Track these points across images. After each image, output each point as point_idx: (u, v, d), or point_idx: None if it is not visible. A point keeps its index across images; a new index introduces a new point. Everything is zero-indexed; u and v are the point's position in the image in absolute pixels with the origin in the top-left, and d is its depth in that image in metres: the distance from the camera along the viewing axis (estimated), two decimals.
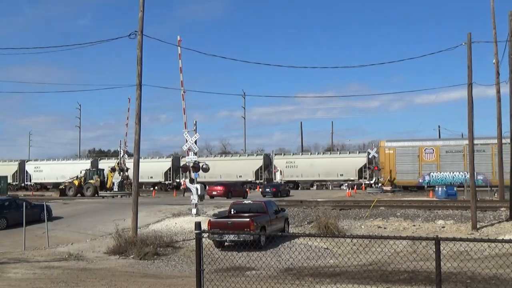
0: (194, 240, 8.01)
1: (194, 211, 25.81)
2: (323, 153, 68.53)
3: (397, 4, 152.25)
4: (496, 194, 39.45)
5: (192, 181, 26.55)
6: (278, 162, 62.91)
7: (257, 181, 62.23)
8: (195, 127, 26.50)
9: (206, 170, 27.51)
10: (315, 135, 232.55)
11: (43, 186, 72.17)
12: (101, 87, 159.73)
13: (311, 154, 68.50)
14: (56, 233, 22.36)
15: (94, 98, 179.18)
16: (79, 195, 49.77)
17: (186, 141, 26.61)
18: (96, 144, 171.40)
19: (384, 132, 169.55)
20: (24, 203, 22.53)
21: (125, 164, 49.21)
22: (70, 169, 63.38)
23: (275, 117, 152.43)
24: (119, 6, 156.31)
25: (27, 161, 76.07)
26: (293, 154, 67.18)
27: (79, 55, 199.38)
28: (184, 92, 27.57)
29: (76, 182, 51.58)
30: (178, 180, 63.58)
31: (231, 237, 18.65)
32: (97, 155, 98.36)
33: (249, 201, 23.48)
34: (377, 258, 14.56)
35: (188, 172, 27.08)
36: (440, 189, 40.73)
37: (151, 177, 64.88)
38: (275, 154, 66.21)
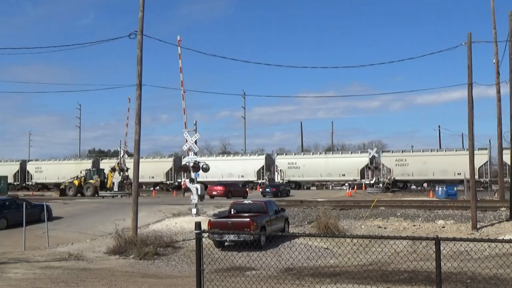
0: (194, 240, 8.00)
1: (194, 211, 25.81)
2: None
3: (398, 4, 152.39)
4: (496, 194, 39.46)
5: (192, 181, 26.54)
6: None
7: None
8: (195, 127, 26.50)
9: (206, 170, 27.49)
10: (316, 135, 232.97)
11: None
12: (101, 87, 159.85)
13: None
14: (56, 233, 22.35)
15: (94, 98, 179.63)
16: (79, 195, 49.75)
17: (186, 141, 26.60)
18: (96, 144, 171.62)
19: (385, 132, 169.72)
20: (24, 203, 22.49)
21: (125, 164, 49.21)
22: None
23: (275, 117, 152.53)
24: (122, 5, 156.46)
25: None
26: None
27: (79, 55, 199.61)
28: (184, 92, 27.54)
29: (76, 182, 51.57)
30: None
31: (231, 237, 18.65)
32: (97, 155, 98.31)
33: (249, 201, 23.47)
34: (377, 258, 14.55)
35: (188, 172, 27.02)
36: (440, 189, 40.75)
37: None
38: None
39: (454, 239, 7.06)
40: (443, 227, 23.87)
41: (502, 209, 26.99)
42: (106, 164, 62.77)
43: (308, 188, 64.13)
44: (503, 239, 16.35)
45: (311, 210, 28.10)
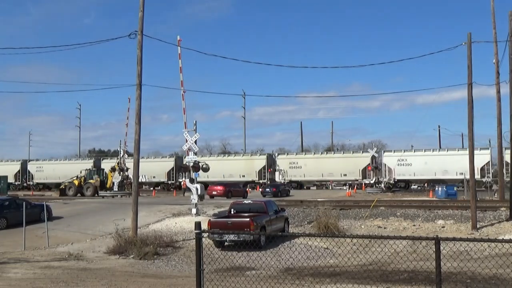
0: (194, 240, 8.01)
1: (194, 211, 25.81)
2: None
3: (398, 4, 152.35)
4: (496, 194, 39.47)
5: (192, 181, 26.54)
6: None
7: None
8: (195, 127, 26.49)
9: (206, 170, 27.51)
10: (316, 135, 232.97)
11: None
12: (101, 87, 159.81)
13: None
14: (56, 233, 22.35)
15: (95, 98, 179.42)
16: (79, 195, 49.75)
17: (186, 141, 26.60)
18: (97, 144, 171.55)
19: (385, 132, 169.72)
20: (24, 203, 22.50)
21: (125, 164, 49.21)
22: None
23: (276, 117, 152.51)
24: (123, 5, 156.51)
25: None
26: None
27: (80, 55, 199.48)
28: (184, 92, 27.52)
29: (76, 182, 51.56)
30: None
31: (231, 237, 18.65)
32: (97, 155, 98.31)
33: (249, 201, 23.48)
34: (377, 258, 14.56)
35: (188, 172, 27.01)
36: (440, 189, 40.75)
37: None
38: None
39: (454, 239, 7.07)
40: (443, 227, 23.87)
41: (502, 209, 27.00)
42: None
43: (308, 188, 64.14)
44: (503, 239, 16.36)
45: (311, 210, 28.11)
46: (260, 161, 63.88)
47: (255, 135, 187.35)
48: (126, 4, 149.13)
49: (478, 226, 22.75)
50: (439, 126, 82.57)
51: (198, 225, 7.93)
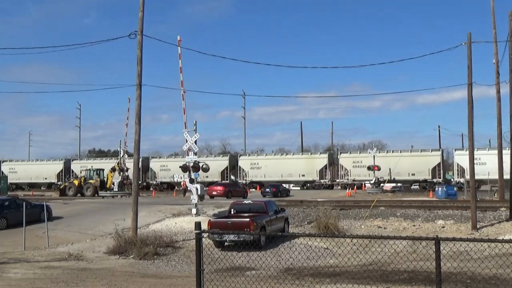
0: (194, 240, 8.00)
1: (194, 211, 25.80)
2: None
3: (398, 4, 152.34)
4: (496, 194, 39.46)
5: (192, 181, 26.54)
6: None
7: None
8: (195, 127, 26.49)
9: (206, 170, 27.51)
10: (316, 135, 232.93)
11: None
12: (101, 87, 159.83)
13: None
14: (56, 233, 22.35)
15: (95, 98, 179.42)
16: (79, 195, 49.77)
17: (186, 141, 26.60)
18: (97, 144, 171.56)
19: (385, 132, 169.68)
20: (24, 203, 22.51)
21: (125, 164, 49.22)
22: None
23: (275, 117, 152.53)
24: (124, 5, 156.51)
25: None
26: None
27: (80, 55, 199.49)
28: (184, 92, 27.57)
29: (76, 182, 51.58)
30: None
31: (231, 237, 18.65)
32: (97, 155, 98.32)
33: (249, 201, 23.49)
34: (377, 258, 14.55)
35: (188, 172, 26.98)
36: (440, 189, 40.74)
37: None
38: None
39: (454, 239, 7.07)
40: (443, 227, 23.87)
41: (502, 209, 26.99)
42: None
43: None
44: (503, 239, 16.37)
45: (311, 210, 28.10)
46: (321, 160, 62.78)
47: (255, 135, 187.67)
48: (126, 4, 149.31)
49: (478, 226, 22.75)
50: (439, 126, 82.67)
51: (198, 225, 7.92)
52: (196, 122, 26.67)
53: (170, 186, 65.16)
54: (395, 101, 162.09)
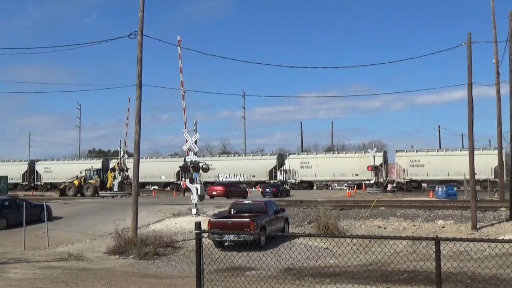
0: (194, 240, 8.01)
1: (194, 211, 25.80)
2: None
3: (398, 4, 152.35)
4: (496, 194, 39.48)
5: (192, 181, 26.53)
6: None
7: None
8: (195, 127, 26.47)
9: (206, 170, 27.50)
10: (316, 135, 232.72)
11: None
12: (101, 87, 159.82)
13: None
14: (56, 233, 22.35)
15: (95, 98, 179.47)
16: (79, 195, 49.77)
17: (186, 141, 26.59)
18: (96, 144, 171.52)
19: (385, 132, 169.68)
20: (24, 203, 22.51)
21: (125, 164, 49.20)
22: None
23: (276, 117, 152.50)
24: (124, 5, 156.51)
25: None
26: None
27: (80, 55, 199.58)
28: (184, 92, 27.52)
29: (76, 182, 51.57)
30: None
31: (231, 237, 18.64)
32: (97, 155, 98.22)
33: (249, 201, 23.48)
34: (377, 258, 14.56)
35: (188, 172, 26.97)
36: (440, 189, 40.76)
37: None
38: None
39: (454, 239, 7.07)
40: (443, 227, 23.87)
41: (502, 209, 27.00)
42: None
43: (311, 188, 63.87)
44: (503, 239, 16.36)
45: (311, 210, 28.11)
46: (376, 159, 59.60)
47: (255, 135, 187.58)
48: (126, 4, 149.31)
49: (478, 226, 22.75)
50: (439, 126, 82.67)
51: (198, 225, 7.92)
52: (196, 122, 26.67)
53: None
54: (395, 101, 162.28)
